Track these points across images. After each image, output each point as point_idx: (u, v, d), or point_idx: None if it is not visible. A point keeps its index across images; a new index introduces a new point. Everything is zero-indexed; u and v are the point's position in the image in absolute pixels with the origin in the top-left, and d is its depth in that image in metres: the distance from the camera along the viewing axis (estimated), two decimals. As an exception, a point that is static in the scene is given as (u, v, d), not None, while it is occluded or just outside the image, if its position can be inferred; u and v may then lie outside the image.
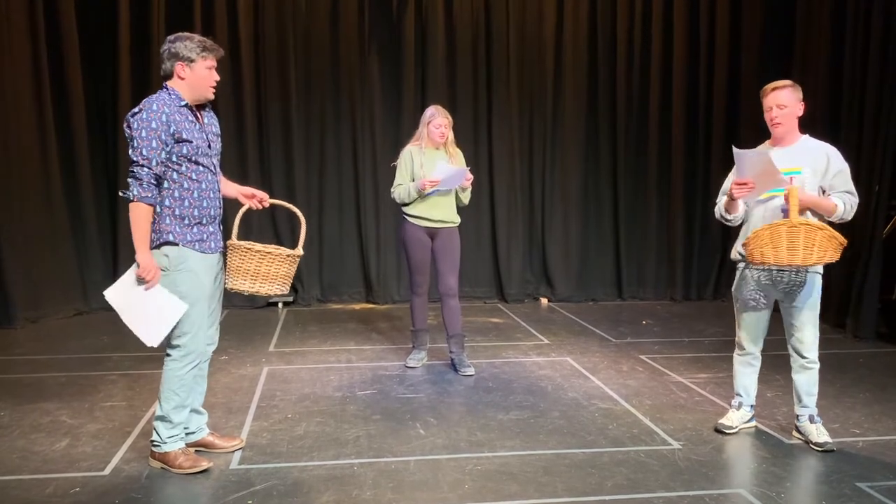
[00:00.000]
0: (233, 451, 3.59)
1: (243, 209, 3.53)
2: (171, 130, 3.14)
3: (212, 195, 3.32)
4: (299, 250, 3.50)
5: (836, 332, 6.33)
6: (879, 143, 6.13)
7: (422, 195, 4.88)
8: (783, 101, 3.60)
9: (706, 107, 7.90)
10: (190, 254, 3.24)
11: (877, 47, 6.15)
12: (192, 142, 3.20)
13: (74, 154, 6.82)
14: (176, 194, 3.21)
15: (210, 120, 3.39)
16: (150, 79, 6.98)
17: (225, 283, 3.42)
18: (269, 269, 3.34)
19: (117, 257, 7.03)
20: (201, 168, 3.26)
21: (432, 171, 4.86)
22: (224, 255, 3.43)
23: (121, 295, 3.21)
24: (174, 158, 3.18)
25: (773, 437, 3.86)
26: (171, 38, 3.26)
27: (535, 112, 7.79)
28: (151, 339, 3.20)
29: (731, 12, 7.80)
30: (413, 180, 4.91)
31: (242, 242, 3.38)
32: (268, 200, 3.56)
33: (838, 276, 6.45)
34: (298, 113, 7.40)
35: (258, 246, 3.37)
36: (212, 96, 3.32)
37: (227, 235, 3.43)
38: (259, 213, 3.63)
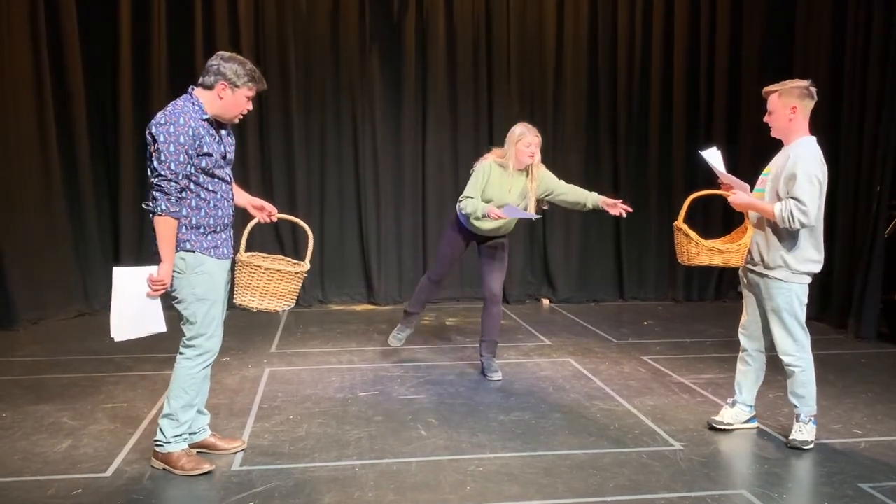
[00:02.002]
0: (235, 453, 3.60)
1: (252, 223, 3.54)
2: (197, 145, 3.19)
3: (226, 204, 3.37)
4: (306, 265, 3.50)
5: (837, 332, 6.33)
6: (880, 143, 6.13)
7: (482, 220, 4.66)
8: (769, 106, 3.76)
9: (706, 107, 7.88)
10: (206, 258, 3.29)
11: (877, 47, 6.14)
12: (212, 155, 3.25)
13: (75, 154, 6.80)
14: (193, 204, 3.25)
15: (227, 130, 3.43)
16: (150, 79, 6.99)
17: (234, 299, 3.43)
18: (279, 287, 3.36)
19: (118, 257, 7.02)
20: (217, 179, 3.31)
21: (503, 199, 4.60)
22: (232, 262, 3.44)
23: (126, 280, 3.23)
24: (192, 170, 3.22)
25: (775, 438, 3.86)
26: (224, 55, 3.32)
27: (535, 112, 7.76)
28: (120, 334, 3.25)
29: (731, 12, 7.79)
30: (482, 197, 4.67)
31: (251, 259, 3.40)
32: (276, 215, 3.60)
33: (840, 277, 6.45)
34: (299, 113, 7.38)
35: (267, 263, 3.39)
36: (236, 121, 3.40)
37: (235, 246, 3.44)
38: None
